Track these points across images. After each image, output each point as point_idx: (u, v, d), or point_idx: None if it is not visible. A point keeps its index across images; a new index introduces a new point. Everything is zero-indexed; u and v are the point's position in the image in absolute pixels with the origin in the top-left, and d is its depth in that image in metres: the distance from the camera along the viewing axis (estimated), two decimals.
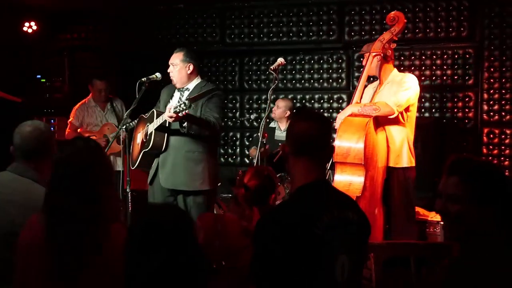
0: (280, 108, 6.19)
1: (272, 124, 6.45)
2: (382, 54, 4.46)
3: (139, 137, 4.61)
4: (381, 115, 4.27)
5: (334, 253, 2.08)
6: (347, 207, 2.21)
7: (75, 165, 2.31)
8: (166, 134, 4.42)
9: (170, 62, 4.53)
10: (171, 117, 4.10)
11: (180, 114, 4.07)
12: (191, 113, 4.24)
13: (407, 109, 4.37)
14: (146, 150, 4.43)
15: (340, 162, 4.12)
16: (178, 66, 4.48)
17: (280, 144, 6.19)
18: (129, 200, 4.33)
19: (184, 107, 4.01)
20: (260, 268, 2.09)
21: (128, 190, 4.35)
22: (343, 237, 2.11)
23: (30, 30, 6.94)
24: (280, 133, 6.38)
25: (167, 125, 4.36)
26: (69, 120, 6.03)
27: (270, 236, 2.07)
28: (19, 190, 2.70)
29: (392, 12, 4.54)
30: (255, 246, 2.14)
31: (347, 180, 4.08)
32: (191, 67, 4.49)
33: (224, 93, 4.59)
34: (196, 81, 4.55)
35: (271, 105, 5.18)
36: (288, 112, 6.20)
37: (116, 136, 4.54)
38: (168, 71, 4.53)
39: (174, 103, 4.41)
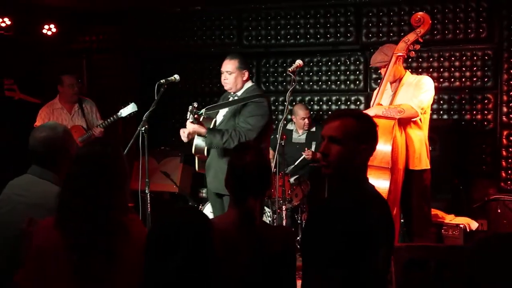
0: (306, 118, 6.23)
1: (289, 126, 6.45)
2: (406, 56, 4.44)
3: None
4: (405, 118, 4.24)
5: (379, 244, 2.20)
6: (385, 205, 2.36)
7: (89, 166, 2.35)
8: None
9: (223, 69, 4.61)
10: (185, 136, 4.48)
11: (190, 120, 4.31)
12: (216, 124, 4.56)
13: (423, 111, 4.35)
14: (192, 153, 4.68)
15: None
16: (234, 74, 4.56)
17: (302, 147, 6.21)
18: (148, 202, 4.35)
19: (193, 114, 4.25)
20: (315, 256, 2.23)
21: (147, 191, 4.37)
22: (386, 231, 2.24)
23: (49, 33, 6.99)
24: (298, 136, 6.39)
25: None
26: (35, 124, 5.75)
27: (328, 224, 2.20)
28: (38, 192, 2.73)
29: (419, 13, 4.51)
30: (309, 234, 2.29)
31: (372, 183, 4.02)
32: (246, 74, 4.62)
33: (266, 99, 4.57)
34: (247, 86, 4.65)
35: (289, 107, 5.18)
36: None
37: (134, 138, 4.54)
38: (223, 78, 4.63)
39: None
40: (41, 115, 5.91)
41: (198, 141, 4.57)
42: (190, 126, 4.41)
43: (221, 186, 4.40)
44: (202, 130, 4.40)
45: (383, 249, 2.20)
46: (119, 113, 5.59)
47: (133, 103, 5.56)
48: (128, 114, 5.56)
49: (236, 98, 4.59)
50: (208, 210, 5.47)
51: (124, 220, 2.33)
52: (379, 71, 4.76)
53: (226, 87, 4.65)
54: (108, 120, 5.67)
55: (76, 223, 2.27)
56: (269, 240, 2.49)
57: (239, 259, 2.44)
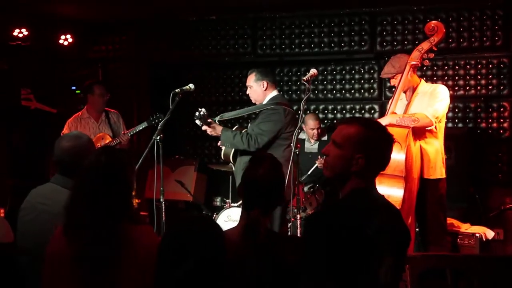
0: (316, 129, 6.23)
1: (301, 136, 6.44)
2: (420, 64, 4.42)
3: None
4: (419, 127, 4.22)
5: (382, 255, 2.14)
6: (394, 214, 2.29)
7: (92, 175, 2.36)
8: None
9: (246, 84, 4.91)
10: (204, 130, 4.67)
11: (199, 124, 4.64)
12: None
13: (438, 120, 4.34)
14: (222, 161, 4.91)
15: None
16: (253, 87, 4.82)
17: (315, 155, 6.20)
18: (163, 210, 4.36)
19: (199, 119, 4.58)
20: (313, 265, 2.16)
21: (161, 200, 4.38)
22: (391, 240, 2.18)
23: (66, 43, 7.07)
24: (310, 145, 6.38)
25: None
26: (62, 132, 5.78)
27: (325, 234, 2.16)
28: (61, 202, 2.74)
29: (433, 22, 4.48)
30: (307, 245, 2.22)
31: (385, 192, 3.97)
32: (265, 84, 4.80)
33: (283, 107, 4.71)
34: (270, 95, 4.82)
35: (303, 115, 5.18)
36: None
37: (149, 147, 4.55)
38: (247, 93, 4.92)
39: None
40: (69, 124, 5.98)
41: (224, 148, 4.85)
42: (204, 128, 4.69)
43: None
44: (217, 130, 4.68)
45: (388, 260, 2.14)
46: (145, 123, 5.65)
47: (160, 114, 5.59)
48: (155, 123, 5.58)
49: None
50: (222, 219, 5.47)
51: (130, 229, 2.32)
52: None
53: (252, 101, 4.90)
54: (136, 129, 5.73)
55: (80, 232, 2.28)
56: (280, 252, 2.47)
57: (246, 270, 2.42)
